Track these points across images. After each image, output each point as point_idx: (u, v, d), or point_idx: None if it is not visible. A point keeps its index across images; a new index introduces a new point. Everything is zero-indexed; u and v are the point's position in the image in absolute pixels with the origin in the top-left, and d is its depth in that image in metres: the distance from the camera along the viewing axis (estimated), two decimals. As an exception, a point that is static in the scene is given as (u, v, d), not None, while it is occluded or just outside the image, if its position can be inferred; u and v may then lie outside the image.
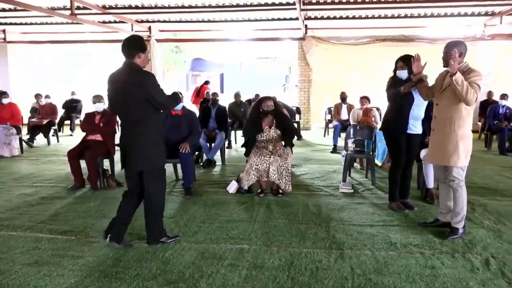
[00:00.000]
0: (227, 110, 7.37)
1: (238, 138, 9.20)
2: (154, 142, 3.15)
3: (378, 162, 5.70)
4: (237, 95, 8.95)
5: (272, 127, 4.85)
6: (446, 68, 3.48)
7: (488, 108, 8.71)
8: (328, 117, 10.02)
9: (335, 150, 7.86)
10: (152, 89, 3.02)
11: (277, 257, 3.12)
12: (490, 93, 10.05)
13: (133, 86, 2.98)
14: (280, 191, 4.77)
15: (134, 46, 3.02)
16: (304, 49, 11.44)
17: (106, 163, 5.37)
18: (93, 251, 3.26)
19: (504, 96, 8.39)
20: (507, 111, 8.35)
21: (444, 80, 3.48)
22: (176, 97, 3.41)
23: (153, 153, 3.16)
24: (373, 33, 11.31)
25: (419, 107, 4.03)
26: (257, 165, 4.67)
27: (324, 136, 10.04)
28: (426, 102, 4.04)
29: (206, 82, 12.82)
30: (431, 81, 3.77)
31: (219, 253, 3.20)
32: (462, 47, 3.37)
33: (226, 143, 7.73)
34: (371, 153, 5.66)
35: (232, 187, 4.90)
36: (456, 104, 3.33)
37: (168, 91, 3.32)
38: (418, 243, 3.39)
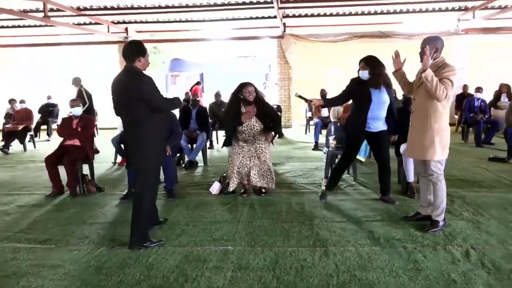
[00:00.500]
0: (207, 110, 7.30)
1: (219, 138, 9.18)
2: (152, 142, 3.25)
3: (360, 158, 5.74)
4: (217, 95, 8.91)
5: (253, 118, 4.60)
6: None
7: (464, 101, 8.91)
8: (309, 114, 10.08)
9: (316, 147, 7.91)
10: (148, 92, 3.15)
11: (262, 257, 3.11)
12: (465, 87, 10.29)
13: (131, 88, 3.14)
14: (263, 190, 4.75)
15: (134, 50, 3.18)
16: (283, 47, 11.46)
17: (85, 168, 5.25)
18: (74, 259, 3.18)
19: (479, 89, 8.60)
20: (482, 104, 8.56)
21: (420, 75, 3.52)
22: (176, 102, 3.48)
23: (151, 153, 3.26)
24: (351, 30, 11.40)
25: (378, 107, 4.09)
26: (239, 168, 4.64)
27: (306, 133, 10.08)
28: (387, 103, 4.11)
29: (198, 83, 12.93)
30: (410, 77, 3.81)
31: (203, 256, 3.17)
32: (438, 42, 3.41)
33: (208, 143, 7.71)
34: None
35: (215, 188, 4.87)
36: (432, 99, 3.36)
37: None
38: (400, 237, 3.43)
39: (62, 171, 5.02)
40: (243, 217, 4.03)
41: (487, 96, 9.09)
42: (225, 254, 3.18)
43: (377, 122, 4.14)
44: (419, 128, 3.48)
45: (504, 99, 9.58)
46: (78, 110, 5.34)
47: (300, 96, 4.46)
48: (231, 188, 4.70)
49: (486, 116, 8.43)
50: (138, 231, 3.33)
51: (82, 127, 5.27)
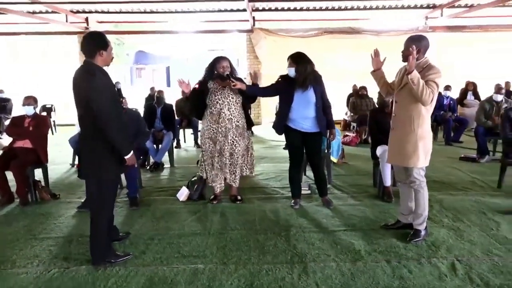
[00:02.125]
0: (173, 107, 6.93)
1: (187, 137, 8.83)
2: (103, 150, 2.84)
3: (333, 158, 5.55)
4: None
5: (227, 89, 4.14)
6: (405, 64, 3.30)
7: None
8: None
9: None
10: (92, 93, 2.71)
11: (236, 277, 2.81)
12: (433, 84, 10.37)
13: (81, 88, 2.76)
14: (239, 197, 4.45)
15: (94, 43, 2.81)
16: (252, 41, 11.13)
17: (39, 173, 4.75)
18: (21, 285, 2.75)
19: (448, 87, 8.63)
20: (451, 102, 8.60)
21: (403, 76, 3.31)
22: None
23: (101, 163, 2.87)
24: (321, 25, 11.29)
25: (304, 106, 3.98)
26: (219, 164, 4.26)
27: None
28: (312, 102, 3.96)
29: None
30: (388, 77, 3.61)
31: (170, 277, 2.83)
32: (423, 43, 3.21)
33: (174, 143, 7.35)
34: (326, 150, 5.47)
35: (183, 194, 4.52)
36: (416, 102, 3.17)
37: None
38: (382, 250, 3.21)
39: (10, 177, 4.49)
40: (213, 228, 3.70)
41: (454, 94, 9.16)
42: (195, 274, 2.85)
43: (307, 121, 4.01)
44: (402, 133, 3.29)
45: (470, 97, 9.72)
46: (30, 110, 4.80)
47: (228, 76, 4.07)
48: (217, 189, 4.34)
49: (455, 114, 8.48)
50: (98, 246, 2.98)
51: (34, 126, 4.74)
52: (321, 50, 10.78)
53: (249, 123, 4.43)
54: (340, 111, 9.72)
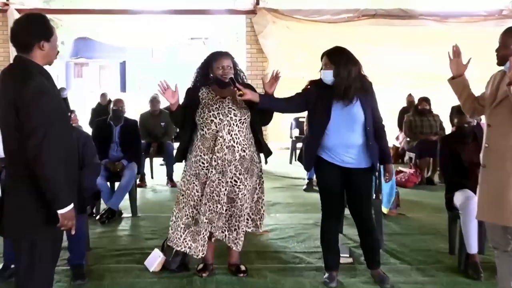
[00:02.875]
0: (138, 125, 6.98)
1: (156, 169, 8.77)
2: (32, 194, 2.77)
3: (384, 209, 5.58)
4: (154, 101, 8.46)
5: (228, 99, 4.13)
6: (502, 68, 3.35)
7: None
8: (296, 132, 9.82)
9: (311, 186, 7.64)
10: (27, 106, 2.66)
11: None
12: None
13: (7, 98, 2.73)
14: (243, 268, 4.38)
15: (31, 30, 2.78)
16: (255, 27, 11.21)
17: None
18: None
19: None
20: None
21: (499, 87, 3.32)
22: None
23: (38, 215, 2.80)
24: (358, 5, 11.36)
25: (347, 127, 3.97)
26: (207, 214, 4.13)
27: (291, 162, 9.78)
28: (359, 121, 3.98)
29: None
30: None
31: None
32: None
33: (138, 179, 7.31)
34: (374, 195, 5.31)
35: (155, 261, 4.44)
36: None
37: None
38: None
39: None
40: (205, 318, 3.62)
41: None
42: None
43: (352, 151, 3.99)
44: (500, 174, 3.27)
45: None
46: None
47: (231, 80, 3.99)
48: (198, 254, 4.20)
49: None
50: None
51: None
52: (357, 42, 10.85)
53: (262, 150, 4.42)
54: (388, 134, 9.71)
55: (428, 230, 5.67)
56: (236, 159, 4.14)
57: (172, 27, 13.57)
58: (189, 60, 25.98)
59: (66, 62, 28.89)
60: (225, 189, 4.14)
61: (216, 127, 4.10)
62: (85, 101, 13.80)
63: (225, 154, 4.10)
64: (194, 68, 4.42)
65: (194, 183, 4.20)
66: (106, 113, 6.91)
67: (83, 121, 8.98)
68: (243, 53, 11.70)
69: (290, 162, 9.90)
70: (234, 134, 4.14)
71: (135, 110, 8.52)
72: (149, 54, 29.60)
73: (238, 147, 4.14)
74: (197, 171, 4.17)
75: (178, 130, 7.00)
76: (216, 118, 4.10)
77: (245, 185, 4.21)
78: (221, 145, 4.09)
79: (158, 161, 8.83)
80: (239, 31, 11.89)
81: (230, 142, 4.12)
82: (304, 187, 7.79)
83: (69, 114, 4.88)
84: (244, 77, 4.42)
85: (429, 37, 10.96)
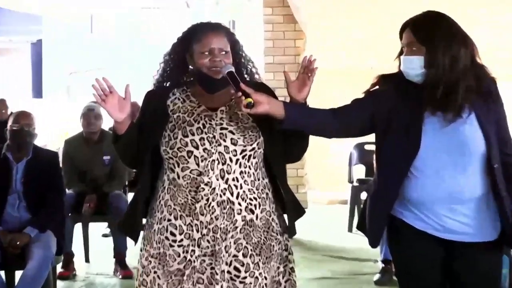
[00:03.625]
0: (60, 160, 5.33)
1: (94, 244, 6.54)
2: None
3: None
4: (90, 115, 6.22)
5: (224, 108, 2.93)
6: None
7: None
8: (361, 172, 7.40)
9: (388, 274, 5.55)
10: None
11: None
12: None
13: None
14: None
15: None
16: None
17: None
18: None
19: None
20: None
21: None
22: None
23: None
24: None
25: (453, 164, 2.81)
26: None
27: (351, 229, 7.28)
28: (479, 150, 2.84)
29: None
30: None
31: None
32: None
33: (60, 264, 5.44)
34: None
35: None
36: None
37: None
38: None
39: None
40: None
41: None
42: None
43: (462, 210, 2.82)
44: None
45: None
46: None
47: (230, 74, 2.84)
48: None
49: None
50: None
51: None
52: (469, 6, 8.13)
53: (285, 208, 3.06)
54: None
55: None
56: (237, 228, 2.91)
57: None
58: (159, 39, 19.66)
59: None
60: (217, 283, 2.93)
61: (197, 165, 2.85)
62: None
63: (216, 218, 2.89)
64: (161, 50, 3.23)
65: (156, 273, 2.93)
66: (1, 138, 5.15)
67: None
68: (258, 24, 9.08)
69: (350, 230, 7.38)
70: (232, 179, 2.91)
71: (58, 132, 6.23)
72: (86, 27, 21.32)
73: (240, 203, 2.88)
74: (163, 250, 2.92)
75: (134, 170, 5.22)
76: (198, 148, 2.86)
77: (257, 278, 2.96)
78: (208, 200, 2.90)
79: (98, 229, 6.61)
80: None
81: (224, 194, 2.89)
82: (376, 277, 5.59)
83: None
84: (255, 71, 3.11)
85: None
